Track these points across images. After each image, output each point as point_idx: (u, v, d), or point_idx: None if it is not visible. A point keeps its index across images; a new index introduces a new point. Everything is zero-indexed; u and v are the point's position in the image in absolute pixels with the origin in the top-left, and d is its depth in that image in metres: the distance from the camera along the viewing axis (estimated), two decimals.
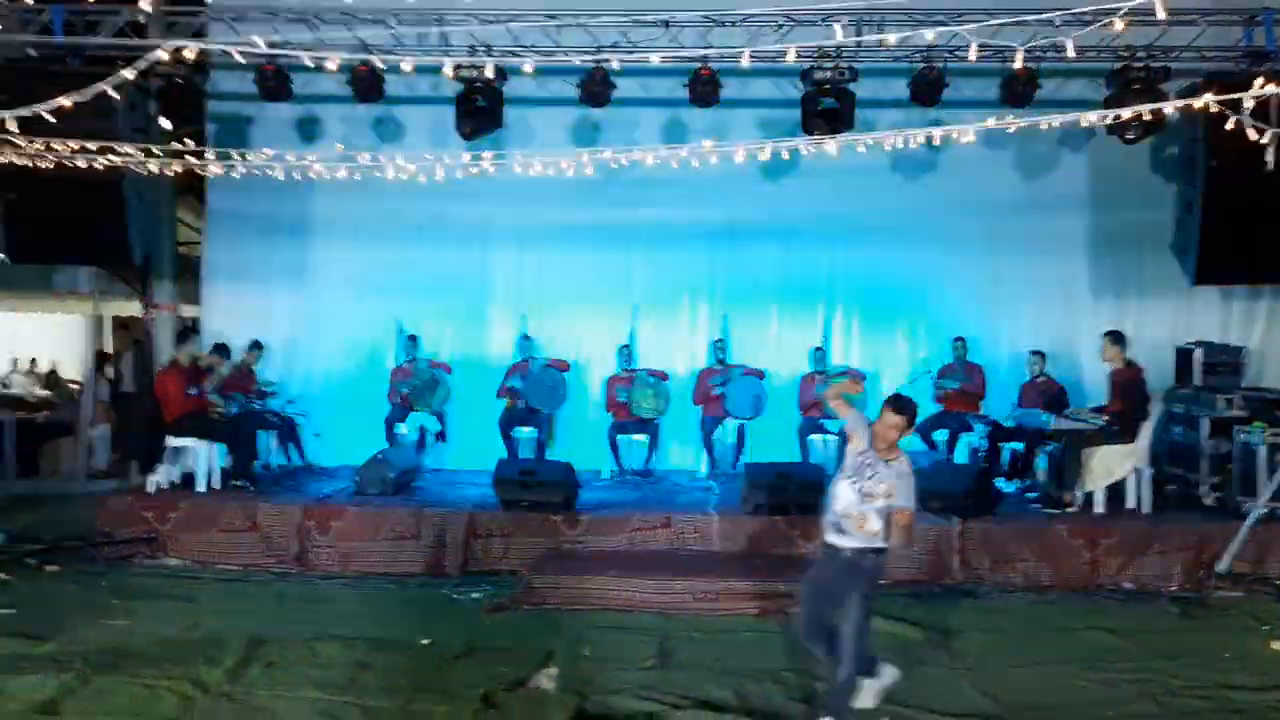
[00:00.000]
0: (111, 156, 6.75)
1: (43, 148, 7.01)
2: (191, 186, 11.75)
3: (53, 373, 13.20)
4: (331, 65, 5.41)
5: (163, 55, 5.29)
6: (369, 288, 11.09)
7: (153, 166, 7.11)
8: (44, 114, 6.06)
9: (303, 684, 5.50)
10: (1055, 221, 10.52)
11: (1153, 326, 10.25)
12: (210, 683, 5.48)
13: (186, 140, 7.31)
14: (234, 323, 10.88)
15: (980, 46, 5.89)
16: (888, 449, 4.89)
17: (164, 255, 10.64)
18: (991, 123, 5.81)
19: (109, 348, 13.70)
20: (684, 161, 7.65)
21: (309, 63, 5.65)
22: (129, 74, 5.37)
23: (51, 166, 7.04)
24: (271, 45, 7.71)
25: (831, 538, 4.99)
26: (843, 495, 4.95)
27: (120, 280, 12.32)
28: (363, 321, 11.09)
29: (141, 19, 7.94)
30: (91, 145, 6.53)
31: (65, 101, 5.47)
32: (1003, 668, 5.95)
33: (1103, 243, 10.44)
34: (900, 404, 4.93)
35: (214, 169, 7.17)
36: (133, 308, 12.51)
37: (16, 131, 6.16)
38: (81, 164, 7.06)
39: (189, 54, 6.22)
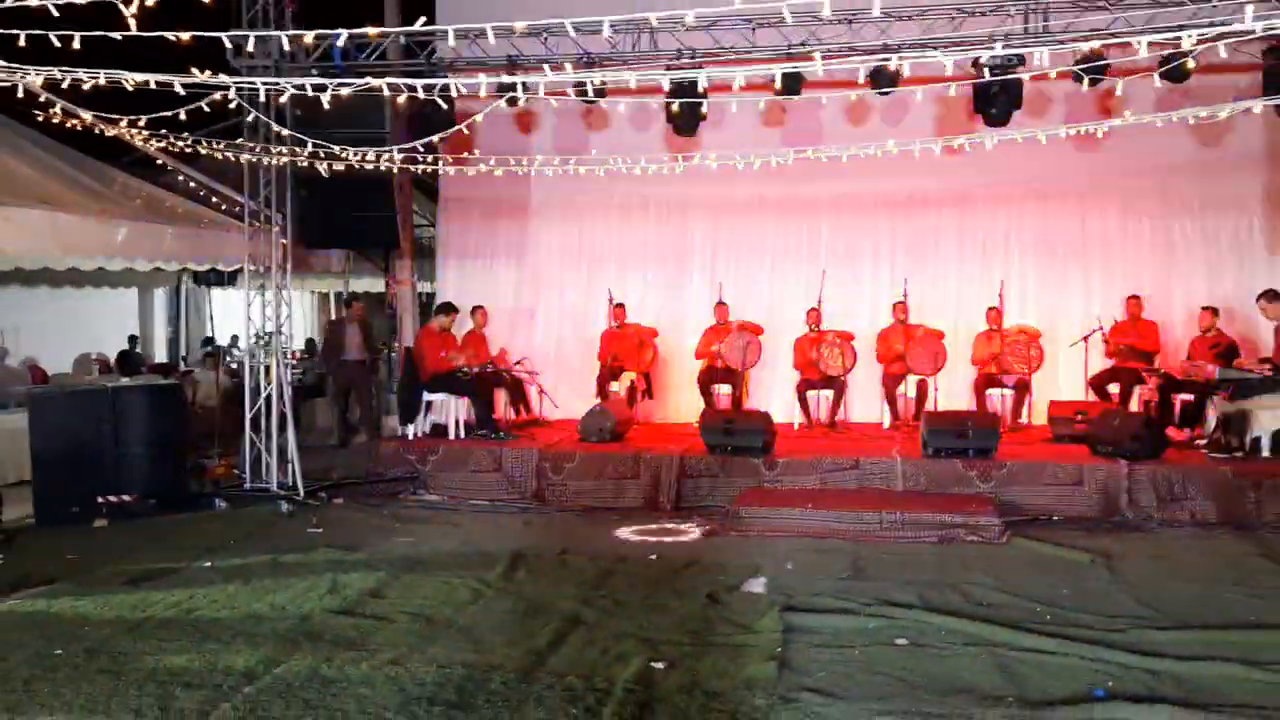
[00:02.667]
0: (388, 161, 8.27)
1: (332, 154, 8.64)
2: (423, 179, 13.41)
3: (310, 341, 15.21)
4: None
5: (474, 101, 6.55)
6: (581, 260, 12.56)
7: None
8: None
9: (563, 585, 6.83)
10: (1230, 181, 10.93)
11: None
12: (490, 581, 6.88)
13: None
14: (464, 295, 12.42)
15: (1142, 31, 6.66)
16: None
17: (404, 238, 12.29)
18: (1148, 117, 6.54)
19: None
20: (865, 135, 8.68)
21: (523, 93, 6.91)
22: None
23: (341, 168, 8.68)
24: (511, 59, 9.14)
25: None
26: None
27: (366, 259, 14.14)
28: (576, 291, 12.53)
29: (402, 40, 9.43)
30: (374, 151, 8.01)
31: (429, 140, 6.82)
32: (1160, 584, 6.74)
33: (1278, 202, 10.76)
34: None
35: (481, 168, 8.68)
36: (377, 284, 14.36)
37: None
38: (357, 165, 8.67)
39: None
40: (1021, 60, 8.07)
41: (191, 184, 10.52)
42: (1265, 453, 8.84)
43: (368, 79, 7.24)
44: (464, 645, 5.60)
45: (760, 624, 5.99)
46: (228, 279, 10.78)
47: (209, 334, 18.36)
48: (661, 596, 6.57)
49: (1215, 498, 8.46)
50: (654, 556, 7.63)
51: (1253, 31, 5.24)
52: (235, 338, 16.24)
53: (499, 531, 8.53)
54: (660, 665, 5.28)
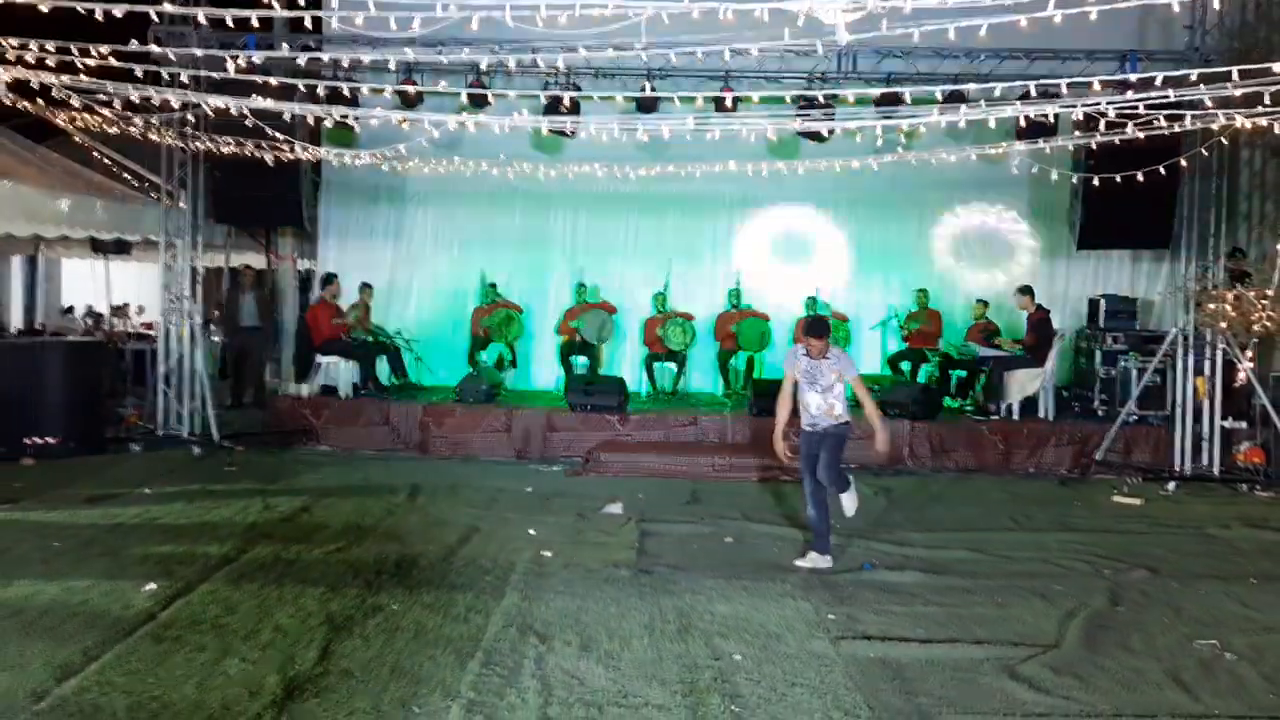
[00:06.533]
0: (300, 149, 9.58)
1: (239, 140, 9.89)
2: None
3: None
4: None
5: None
6: (454, 243, 13.96)
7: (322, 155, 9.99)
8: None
9: (459, 506, 8.36)
10: (1004, 197, 13.24)
11: (1080, 281, 13.13)
12: (397, 503, 8.37)
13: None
14: (344, 272, 13.61)
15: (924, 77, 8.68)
16: (819, 355, 6.82)
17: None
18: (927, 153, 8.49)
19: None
20: (708, 147, 10.50)
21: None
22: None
23: (250, 154, 9.93)
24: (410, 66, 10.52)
25: (806, 428, 6.97)
26: (812, 401, 6.89)
27: (248, 236, 15.12)
28: (449, 271, 13.93)
29: (312, 42, 10.67)
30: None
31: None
32: (922, 507, 8.80)
33: (1041, 214, 13.16)
34: (814, 329, 6.93)
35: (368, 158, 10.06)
36: (258, 259, 15.35)
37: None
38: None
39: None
40: (833, 98, 10.03)
41: (105, 160, 11.43)
42: (1015, 415, 11.09)
43: (281, 104, 8.63)
44: (391, 542, 7.10)
45: (621, 531, 7.71)
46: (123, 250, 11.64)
47: (66, 303, 18.85)
48: (540, 516, 8.17)
49: (974, 449, 10.66)
50: (529, 489, 9.23)
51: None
52: (90, 306, 17.03)
53: (393, 472, 9.91)
54: (548, 554, 6.92)
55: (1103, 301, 12.01)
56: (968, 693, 4.60)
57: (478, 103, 10.50)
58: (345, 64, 10.60)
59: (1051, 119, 9.65)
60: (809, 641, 5.26)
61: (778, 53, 10.21)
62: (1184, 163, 8.86)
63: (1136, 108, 7.72)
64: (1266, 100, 5.78)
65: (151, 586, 5.80)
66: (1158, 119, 7.66)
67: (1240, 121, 6.58)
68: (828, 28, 4.94)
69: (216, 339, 13.79)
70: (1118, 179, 8.89)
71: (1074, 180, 10.77)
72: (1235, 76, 5.56)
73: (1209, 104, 6.38)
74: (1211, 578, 6.64)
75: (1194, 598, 6.19)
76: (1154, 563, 6.97)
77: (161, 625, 5.22)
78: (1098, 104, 7.36)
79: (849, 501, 7.07)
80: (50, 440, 9.85)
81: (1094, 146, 8.88)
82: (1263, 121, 6.22)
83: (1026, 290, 11.37)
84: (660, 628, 5.44)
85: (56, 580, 5.88)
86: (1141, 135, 7.65)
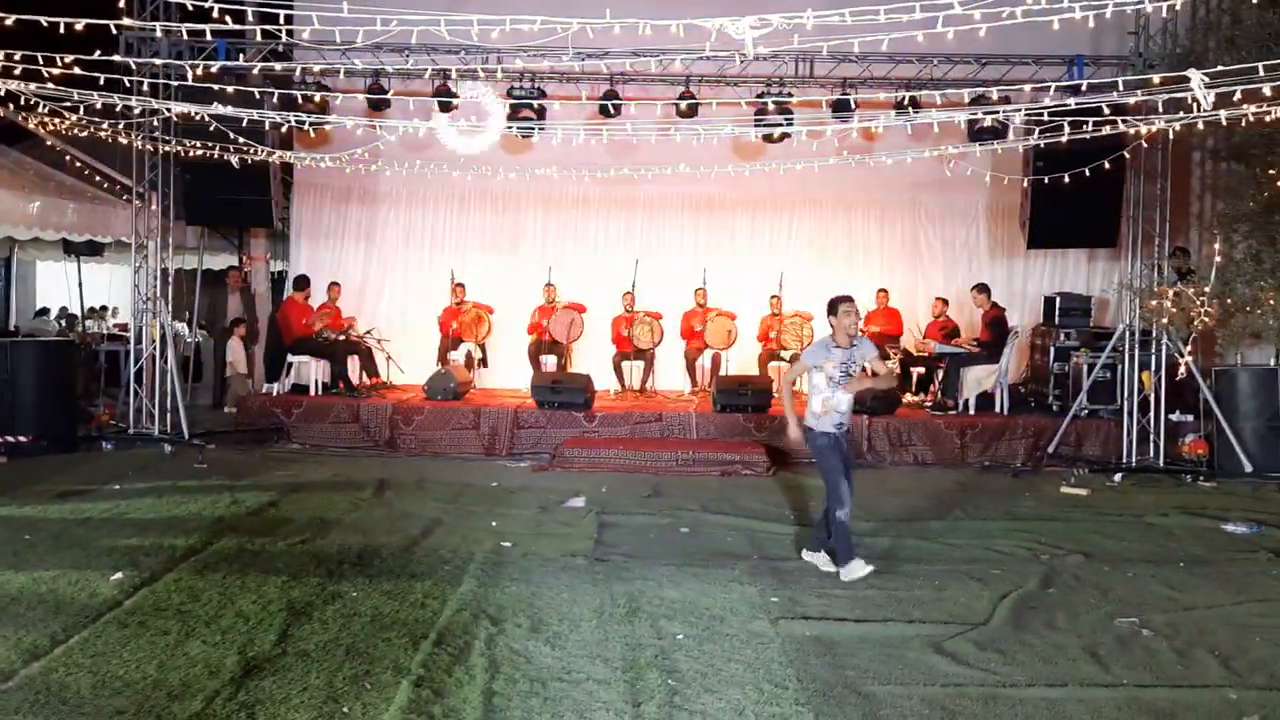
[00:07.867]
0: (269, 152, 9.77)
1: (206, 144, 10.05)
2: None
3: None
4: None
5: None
6: (425, 244, 14.16)
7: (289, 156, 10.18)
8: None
9: (425, 500, 8.57)
10: (963, 197, 13.54)
11: (1038, 279, 13.45)
12: (364, 498, 8.56)
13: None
14: (315, 272, 13.80)
15: (879, 81, 8.91)
16: (850, 341, 6.50)
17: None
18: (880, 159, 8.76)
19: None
20: (673, 148, 10.73)
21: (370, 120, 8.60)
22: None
23: (217, 156, 10.10)
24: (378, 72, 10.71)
25: (833, 430, 6.49)
26: (844, 400, 6.48)
27: (221, 237, 15.27)
28: (419, 270, 14.13)
29: (280, 47, 10.86)
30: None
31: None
32: (877, 500, 9.02)
33: (997, 215, 13.47)
34: (848, 298, 6.64)
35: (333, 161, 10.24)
36: (230, 260, 15.50)
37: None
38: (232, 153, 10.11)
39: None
40: (790, 96, 10.29)
41: (78, 163, 11.57)
42: (971, 410, 11.38)
43: (242, 111, 8.83)
44: (355, 534, 7.30)
45: (581, 523, 7.93)
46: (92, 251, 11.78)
47: (40, 305, 18.93)
48: (503, 509, 8.40)
49: (932, 443, 10.93)
50: (494, 484, 9.45)
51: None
52: (64, 308, 17.19)
53: (362, 468, 10.11)
54: (508, 544, 7.13)
55: (1058, 299, 12.32)
56: (893, 665, 4.85)
57: (445, 106, 10.73)
58: (315, 70, 10.89)
59: (994, 122, 9.98)
60: (750, 622, 5.51)
61: (739, 58, 10.49)
62: (1107, 165, 9.14)
63: (1041, 115, 8.05)
64: (1160, 107, 6.08)
65: (118, 576, 5.99)
66: (1063, 124, 8.00)
67: (1140, 128, 6.92)
68: (739, 40, 5.18)
69: (189, 339, 13.96)
70: (1046, 181, 9.21)
71: (1005, 181, 11.07)
72: (1121, 87, 5.86)
73: (1108, 111, 6.67)
74: (1143, 561, 6.92)
75: (1123, 580, 6.46)
76: (1090, 548, 7.25)
77: (127, 612, 5.42)
78: (1017, 110, 7.64)
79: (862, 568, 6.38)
80: (23, 439, 9.99)
81: (1022, 149, 9.15)
82: (1161, 124, 6.50)
83: (983, 288, 11.69)
84: (609, 611, 5.67)
85: (25, 570, 6.07)
86: (1064, 140, 7.95)
